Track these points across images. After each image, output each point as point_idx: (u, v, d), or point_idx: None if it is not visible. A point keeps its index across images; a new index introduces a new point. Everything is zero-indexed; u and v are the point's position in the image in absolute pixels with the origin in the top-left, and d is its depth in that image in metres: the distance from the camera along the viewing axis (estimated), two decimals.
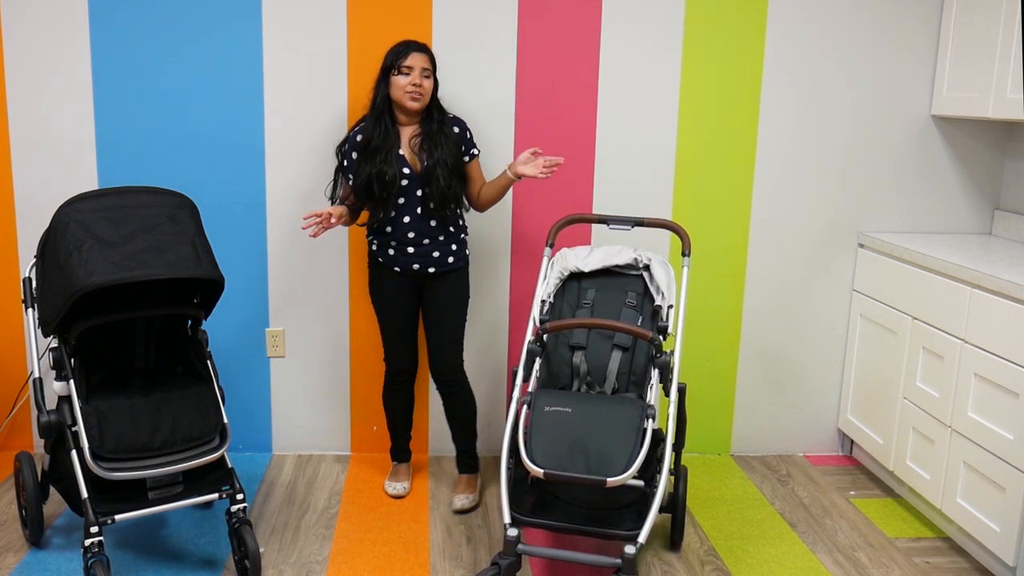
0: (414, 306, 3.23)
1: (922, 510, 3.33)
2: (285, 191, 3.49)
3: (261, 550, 2.90)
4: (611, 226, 3.09)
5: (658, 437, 2.70)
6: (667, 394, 2.71)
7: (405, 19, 3.40)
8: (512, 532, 2.47)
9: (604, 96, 3.51)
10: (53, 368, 2.65)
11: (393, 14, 3.40)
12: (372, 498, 3.32)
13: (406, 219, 3.08)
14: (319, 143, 3.47)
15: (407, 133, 3.10)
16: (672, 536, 3.00)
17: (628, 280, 2.98)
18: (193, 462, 2.64)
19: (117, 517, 2.56)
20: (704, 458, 3.79)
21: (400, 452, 3.44)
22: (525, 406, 2.64)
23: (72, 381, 2.62)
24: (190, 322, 2.93)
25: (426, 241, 3.10)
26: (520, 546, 2.47)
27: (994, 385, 2.82)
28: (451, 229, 3.14)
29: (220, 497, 2.72)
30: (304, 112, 3.44)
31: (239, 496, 2.74)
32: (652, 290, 2.98)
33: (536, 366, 2.83)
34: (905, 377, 3.30)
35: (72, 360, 2.66)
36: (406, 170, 3.05)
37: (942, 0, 3.53)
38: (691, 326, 3.70)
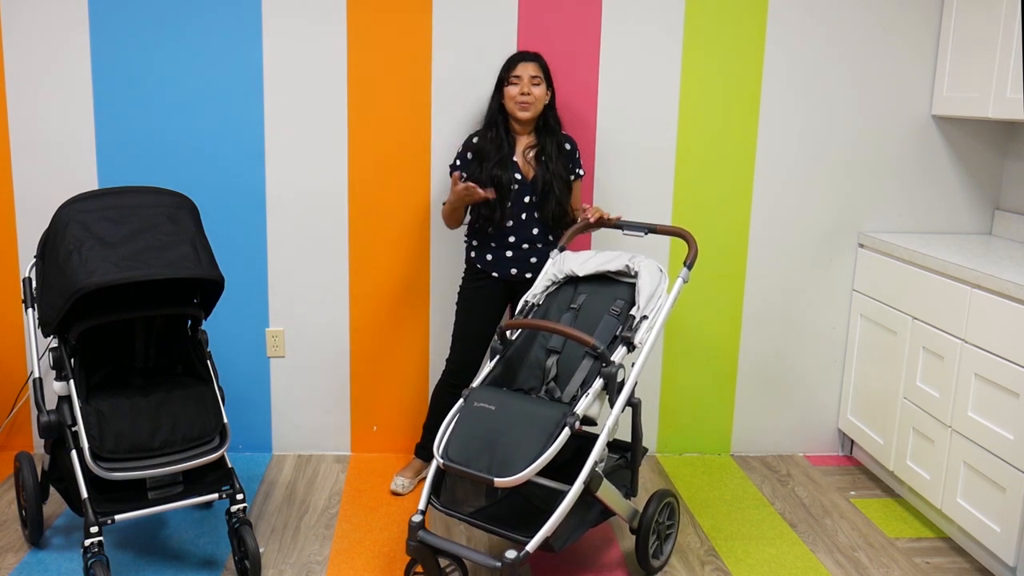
0: (494, 316, 3.30)
1: (922, 510, 3.33)
2: (285, 191, 3.49)
3: (261, 550, 2.90)
4: (625, 232, 3.06)
5: (587, 442, 2.68)
6: (611, 406, 2.62)
7: (405, 19, 3.40)
8: (415, 518, 2.53)
9: (604, 96, 3.51)
10: (53, 368, 2.65)
11: (393, 14, 3.40)
12: (372, 498, 3.32)
13: (509, 223, 3.18)
14: (319, 143, 3.47)
15: (522, 143, 3.20)
16: (638, 561, 2.83)
17: (620, 287, 2.91)
18: (193, 462, 2.64)
19: (117, 517, 2.56)
20: (704, 458, 3.79)
21: (424, 450, 3.44)
22: (462, 399, 2.65)
23: (72, 381, 2.62)
24: (190, 322, 2.93)
25: (525, 246, 3.20)
26: (420, 532, 2.52)
27: (994, 385, 2.82)
28: (550, 238, 3.23)
29: (220, 497, 2.72)
30: (304, 112, 3.44)
31: (239, 496, 2.74)
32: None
33: (491, 364, 2.83)
34: (905, 377, 3.30)
35: (72, 360, 2.66)
36: (517, 176, 3.16)
37: (942, 0, 3.53)
38: (691, 326, 3.70)
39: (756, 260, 3.68)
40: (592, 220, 3.09)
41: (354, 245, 3.55)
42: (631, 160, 3.56)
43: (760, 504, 3.37)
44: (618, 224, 3.08)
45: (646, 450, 2.97)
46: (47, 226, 2.74)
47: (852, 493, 3.50)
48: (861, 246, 3.68)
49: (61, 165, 3.41)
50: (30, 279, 2.85)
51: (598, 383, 2.59)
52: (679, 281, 2.87)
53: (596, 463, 2.54)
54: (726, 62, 3.52)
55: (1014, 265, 3.03)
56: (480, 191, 3.03)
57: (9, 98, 3.36)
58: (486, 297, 3.26)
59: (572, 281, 2.98)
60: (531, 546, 2.41)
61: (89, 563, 2.51)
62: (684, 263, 2.91)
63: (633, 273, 2.88)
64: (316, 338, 3.62)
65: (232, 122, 3.43)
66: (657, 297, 2.79)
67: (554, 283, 2.99)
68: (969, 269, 2.95)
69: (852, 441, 3.83)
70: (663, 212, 3.60)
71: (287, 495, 3.34)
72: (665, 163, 3.58)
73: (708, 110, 3.55)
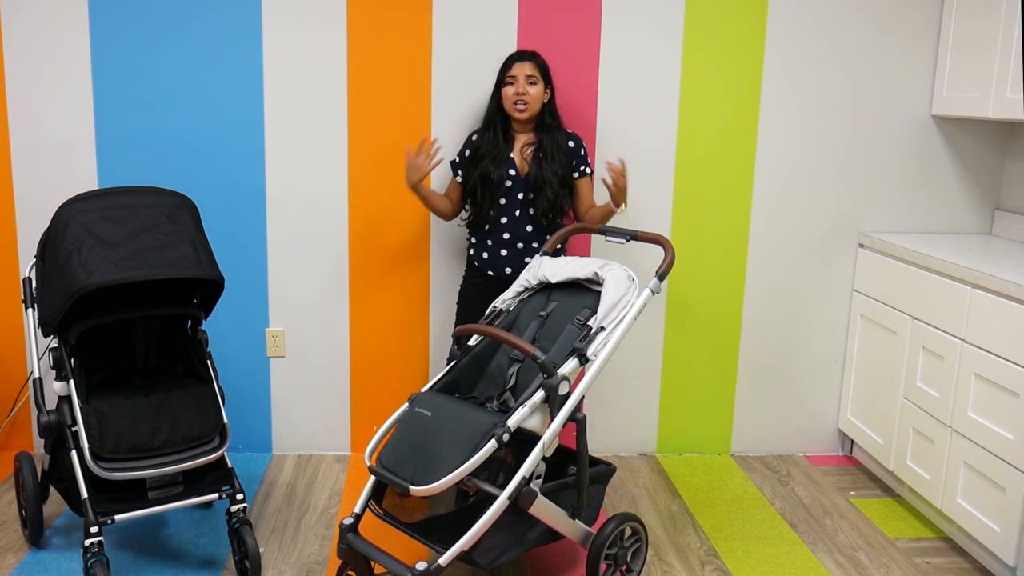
0: None
1: (922, 510, 3.33)
2: (285, 191, 3.49)
3: (261, 550, 2.90)
4: (608, 238, 2.96)
5: (563, 456, 2.61)
6: (551, 418, 2.48)
7: (405, 19, 3.40)
8: (345, 521, 2.50)
9: (604, 96, 3.51)
10: (53, 368, 2.65)
11: (393, 14, 3.40)
12: None
13: (504, 220, 3.18)
14: (319, 143, 3.47)
15: (520, 140, 3.21)
16: None
17: (589, 296, 2.77)
18: (193, 462, 2.64)
19: (117, 517, 2.56)
20: (704, 458, 3.79)
21: None
22: (407, 403, 2.60)
23: (72, 381, 2.62)
24: (190, 322, 2.93)
25: (520, 244, 3.19)
26: (349, 536, 2.49)
27: (994, 385, 2.82)
28: (547, 237, 3.20)
29: (220, 497, 2.72)
30: (304, 112, 3.44)
31: (239, 496, 2.74)
32: None
33: (445, 369, 2.77)
34: (905, 377, 3.30)
35: (72, 360, 2.66)
36: (512, 172, 3.16)
37: (942, 0, 3.53)
38: (691, 326, 3.70)
39: (756, 260, 3.68)
40: (610, 182, 3.01)
41: (354, 245, 3.55)
42: (631, 160, 3.56)
43: (760, 504, 3.37)
44: (601, 230, 3.01)
45: (613, 469, 2.85)
46: (47, 226, 2.74)
47: (852, 493, 3.50)
48: (861, 246, 3.68)
49: (61, 165, 3.41)
50: (30, 279, 2.85)
51: (538, 395, 2.46)
52: (646, 291, 2.70)
53: (525, 478, 2.40)
54: (726, 62, 3.52)
55: (1014, 265, 3.03)
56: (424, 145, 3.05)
57: (9, 98, 3.36)
58: (483, 295, 3.24)
59: (547, 287, 2.90)
60: (443, 559, 2.31)
61: (89, 563, 2.51)
62: (656, 272, 2.75)
63: (601, 281, 2.75)
64: (316, 338, 3.62)
65: (232, 122, 3.43)
66: (621, 308, 2.65)
67: (527, 289, 2.92)
68: (969, 269, 2.95)
69: (852, 441, 3.83)
70: (663, 213, 3.61)
71: (287, 495, 3.34)
72: (665, 163, 3.58)
73: (708, 110, 3.55)
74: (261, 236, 3.52)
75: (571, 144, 3.22)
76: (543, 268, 2.91)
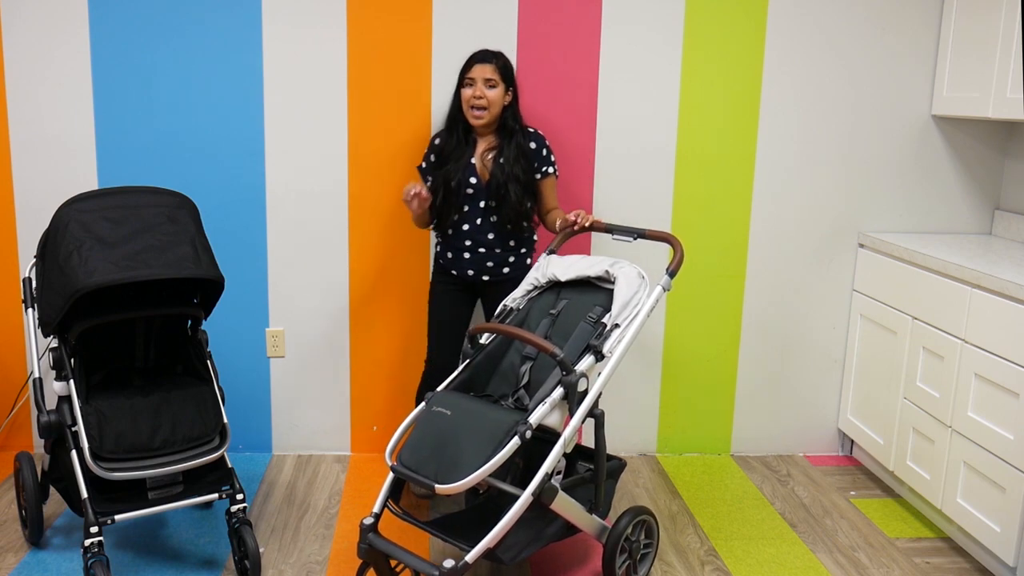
0: (463, 311, 3.27)
1: (922, 510, 3.33)
2: (285, 190, 3.49)
3: (261, 550, 2.90)
4: (615, 236, 2.97)
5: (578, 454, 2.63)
6: (570, 415, 2.51)
7: (405, 19, 3.40)
8: (365, 520, 2.49)
9: (604, 96, 3.51)
10: (53, 368, 2.65)
11: (393, 14, 3.40)
12: (372, 498, 3.32)
13: (465, 226, 3.13)
14: (319, 142, 3.47)
15: (482, 144, 3.14)
16: None
17: (600, 294, 2.79)
18: (193, 462, 2.64)
19: (117, 517, 2.56)
20: (704, 458, 3.79)
21: None
22: (424, 403, 2.61)
23: (72, 381, 2.62)
24: (190, 322, 2.93)
25: (482, 249, 3.15)
26: (370, 535, 2.48)
27: (994, 385, 2.82)
28: (511, 242, 3.16)
29: (220, 497, 2.72)
30: (304, 111, 3.45)
31: (239, 496, 2.74)
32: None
33: (460, 368, 2.77)
34: (905, 377, 3.30)
35: (72, 360, 2.66)
36: (473, 179, 3.10)
37: (942, 0, 3.53)
38: (691, 326, 3.71)
39: (756, 260, 3.68)
40: (576, 225, 3.00)
41: (354, 245, 3.55)
42: (631, 160, 3.56)
43: (760, 504, 3.37)
44: (608, 228, 3.00)
45: (624, 464, 2.87)
46: (47, 226, 2.74)
47: (852, 493, 3.50)
48: (861, 246, 3.68)
49: (61, 165, 3.41)
50: (30, 279, 2.85)
51: (557, 392, 2.48)
52: (658, 289, 2.75)
53: (548, 474, 2.43)
54: (726, 62, 3.52)
55: (1014, 265, 3.03)
56: (421, 194, 2.99)
57: (9, 98, 3.36)
58: (450, 292, 3.24)
59: (557, 286, 2.90)
60: (470, 556, 2.31)
61: (89, 563, 2.51)
62: (667, 270, 2.79)
63: (612, 279, 2.77)
64: (316, 338, 3.62)
65: (232, 122, 3.43)
66: (633, 305, 2.68)
67: (536, 287, 2.92)
68: (969, 269, 2.95)
69: (852, 441, 3.83)
70: (663, 213, 3.61)
71: (287, 495, 3.34)
72: (665, 163, 3.58)
73: (708, 110, 3.55)
74: (261, 236, 3.53)
75: (533, 146, 3.15)
76: (551, 267, 2.91)
